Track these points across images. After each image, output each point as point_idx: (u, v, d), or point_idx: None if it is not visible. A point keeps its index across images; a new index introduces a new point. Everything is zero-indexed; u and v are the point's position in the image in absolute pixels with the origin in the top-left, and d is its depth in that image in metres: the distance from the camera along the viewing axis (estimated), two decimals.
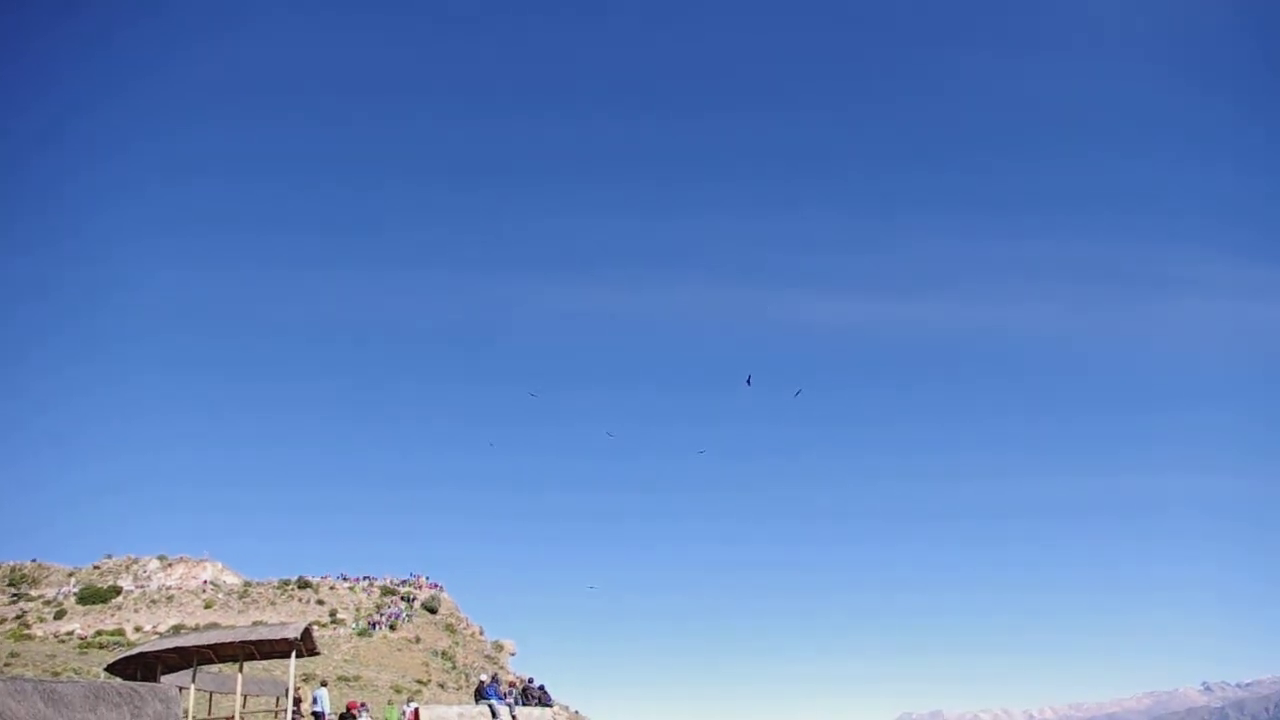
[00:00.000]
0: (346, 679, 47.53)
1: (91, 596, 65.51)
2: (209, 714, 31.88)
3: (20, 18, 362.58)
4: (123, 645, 49.55)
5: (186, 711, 24.46)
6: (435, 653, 62.45)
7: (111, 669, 27.64)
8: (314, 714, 26.48)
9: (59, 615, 62.97)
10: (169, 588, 69.66)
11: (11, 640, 54.48)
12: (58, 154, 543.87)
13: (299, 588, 72.15)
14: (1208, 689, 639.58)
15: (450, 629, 71.33)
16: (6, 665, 41.71)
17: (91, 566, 74.70)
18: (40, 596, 66.74)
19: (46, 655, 43.94)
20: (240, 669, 27.83)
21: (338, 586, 74.63)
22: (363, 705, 26.85)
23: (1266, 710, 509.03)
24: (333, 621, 66.22)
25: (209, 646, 26.74)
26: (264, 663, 35.93)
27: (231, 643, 26.41)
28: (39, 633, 58.59)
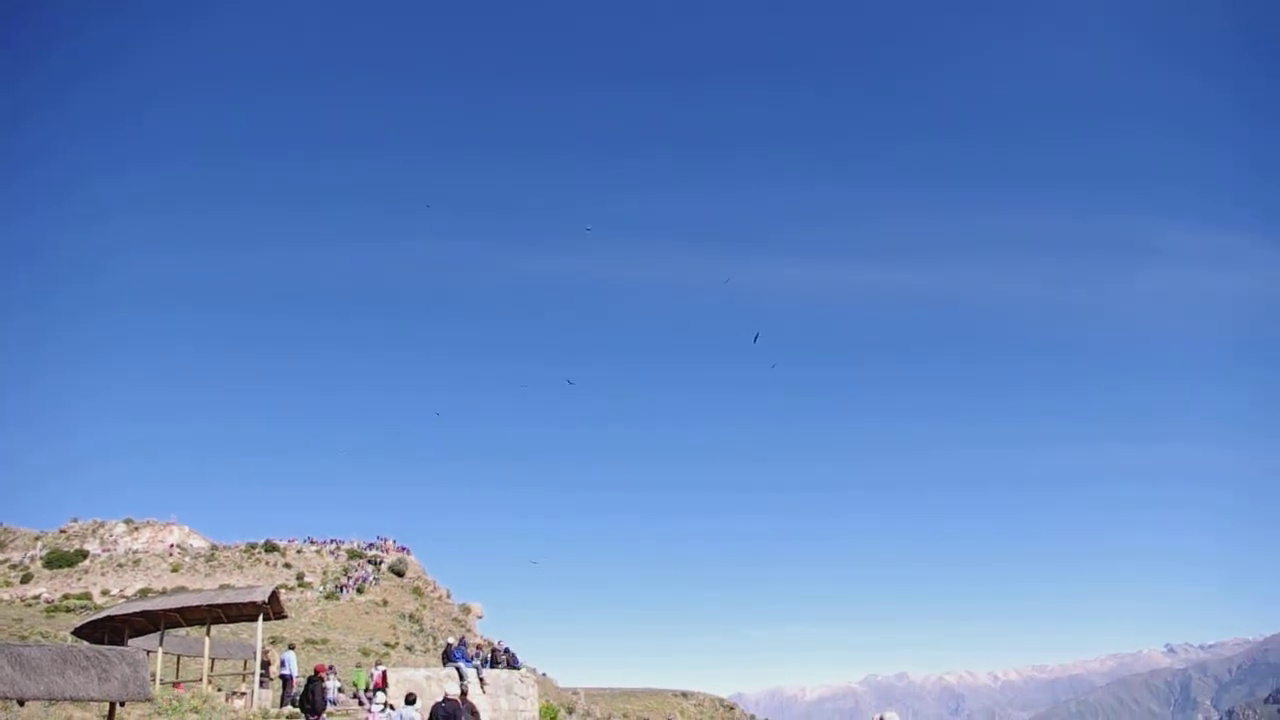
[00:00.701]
0: (314, 642, 48.12)
1: (58, 560, 65.32)
2: (177, 677, 32.40)
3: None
4: (90, 609, 49.67)
5: (154, 675, 24.96)
6: (403, 616, 63.18)
7: (79, 633, 28.03)
8: (282, 677, 26.84)
9: (25, 579, 62.82)
10: (135, 551, 69.56)
11: None
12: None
13: (266, 551, 72.37)
14: (1171, 651, 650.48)
15: (418, 592, 72.04)
16: None
17: (58, 530, 74.22)
18: (6, 560, 66.40)
19: (13, 619, 44.00)
20: (208, 632, 28.31)
21: (305, 550, 74.88)
22: (330, 668, 27.29)
23: (1229, 672, 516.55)
24: (300, 585, 66.66)
25: (176, 610, 27.22)
26: (231, 626, 36.38)
27: (198, 606, 26.89)
28: (5, 597, 58.47)
